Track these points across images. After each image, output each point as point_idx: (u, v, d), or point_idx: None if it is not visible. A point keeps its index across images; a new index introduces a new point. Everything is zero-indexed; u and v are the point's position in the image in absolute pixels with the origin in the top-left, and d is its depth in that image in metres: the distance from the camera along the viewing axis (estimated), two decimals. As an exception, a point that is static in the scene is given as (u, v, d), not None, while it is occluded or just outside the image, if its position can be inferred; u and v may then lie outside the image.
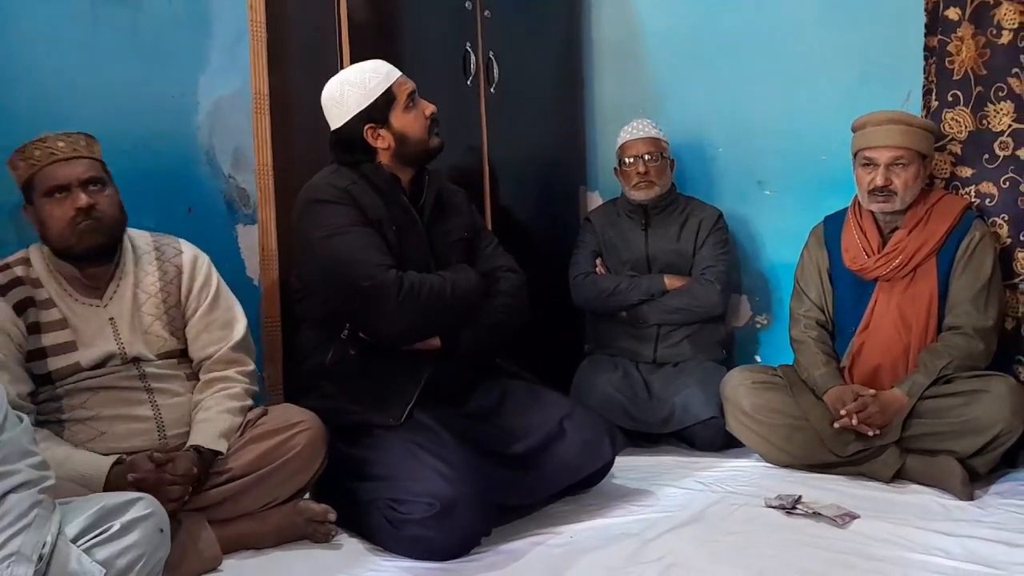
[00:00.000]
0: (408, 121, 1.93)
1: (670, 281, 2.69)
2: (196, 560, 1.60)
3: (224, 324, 1.85)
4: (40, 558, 1.13)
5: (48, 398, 1.68)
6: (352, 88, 1.91)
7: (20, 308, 1.66)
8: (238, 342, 1.85)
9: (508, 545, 1.76)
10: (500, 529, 1.80)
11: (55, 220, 1.67)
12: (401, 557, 1.70)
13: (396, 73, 1.95)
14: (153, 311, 1.79)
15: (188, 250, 1.88)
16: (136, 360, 1.74)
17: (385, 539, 1.74)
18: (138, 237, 1.85)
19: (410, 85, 1.96)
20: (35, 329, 1.67)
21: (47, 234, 1.69)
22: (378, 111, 1.92)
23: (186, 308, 1.84)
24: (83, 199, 1.66)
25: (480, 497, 1.71)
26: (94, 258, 1.73)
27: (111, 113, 2.05)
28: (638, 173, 2.73)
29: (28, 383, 1.65)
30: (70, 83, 2.00)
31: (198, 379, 1.83)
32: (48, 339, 1.68)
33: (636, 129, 2.76)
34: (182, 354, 1.83)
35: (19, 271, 1.69)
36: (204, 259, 1.89)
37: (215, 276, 1.89)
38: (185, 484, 1.59)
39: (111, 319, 1.74)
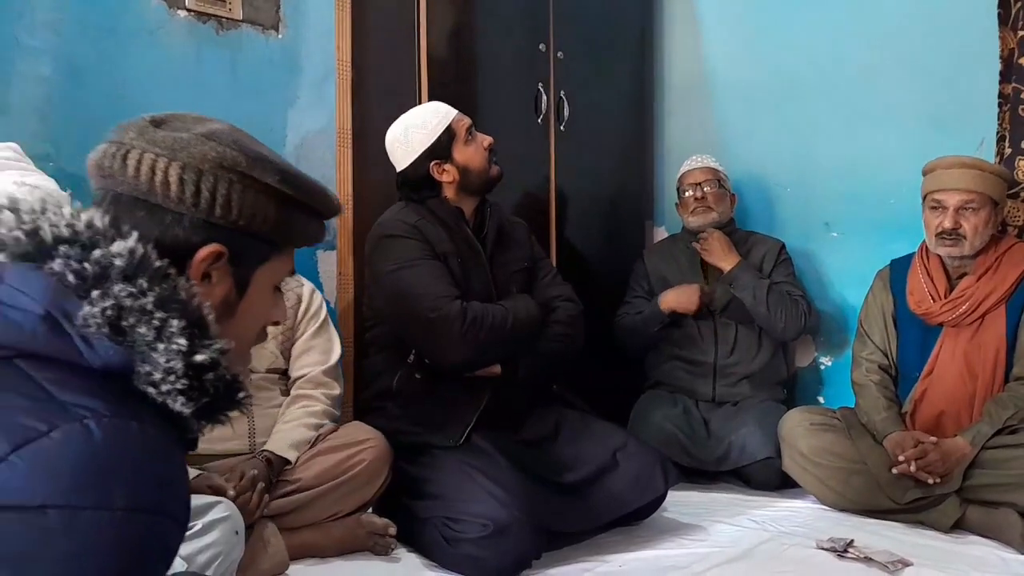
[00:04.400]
0: (469, 154, 2.06)
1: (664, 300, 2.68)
2: (266, 563, 1.71)
3: (323, 351, 2.05)
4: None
5: None
6: (416, 130, 2.04)
7: None
8: (329, 367, 2.04)
9: (558, 570, 1.81)
10: (551, 554, 1.86)
11: None
12: (455, 574, 1.78)
13: (453, 112, 2.09)
14: (271, 330, 1.96)
15: (307, 284, 2.13)
16: None
17: (440, 555, 1.82)
18: None
19: (467, 121, 2.09)
20: None
21: None
22: (441, 148, 2.04)
23: (296, 329, 2.04)
24: None
25: (531, 522, 1.77)
26: None
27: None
28: (695, 199, 2.77)
29: None
30: (174, 119, 2.18)
31: None
32: None
33: (694, 161, 2.84)
34: (284, 373, 2.04)
35: None
36: (319, 294, 2.13)
37: (324, 309, 2.11)
38: (253, 490, 1.70)
39: None
